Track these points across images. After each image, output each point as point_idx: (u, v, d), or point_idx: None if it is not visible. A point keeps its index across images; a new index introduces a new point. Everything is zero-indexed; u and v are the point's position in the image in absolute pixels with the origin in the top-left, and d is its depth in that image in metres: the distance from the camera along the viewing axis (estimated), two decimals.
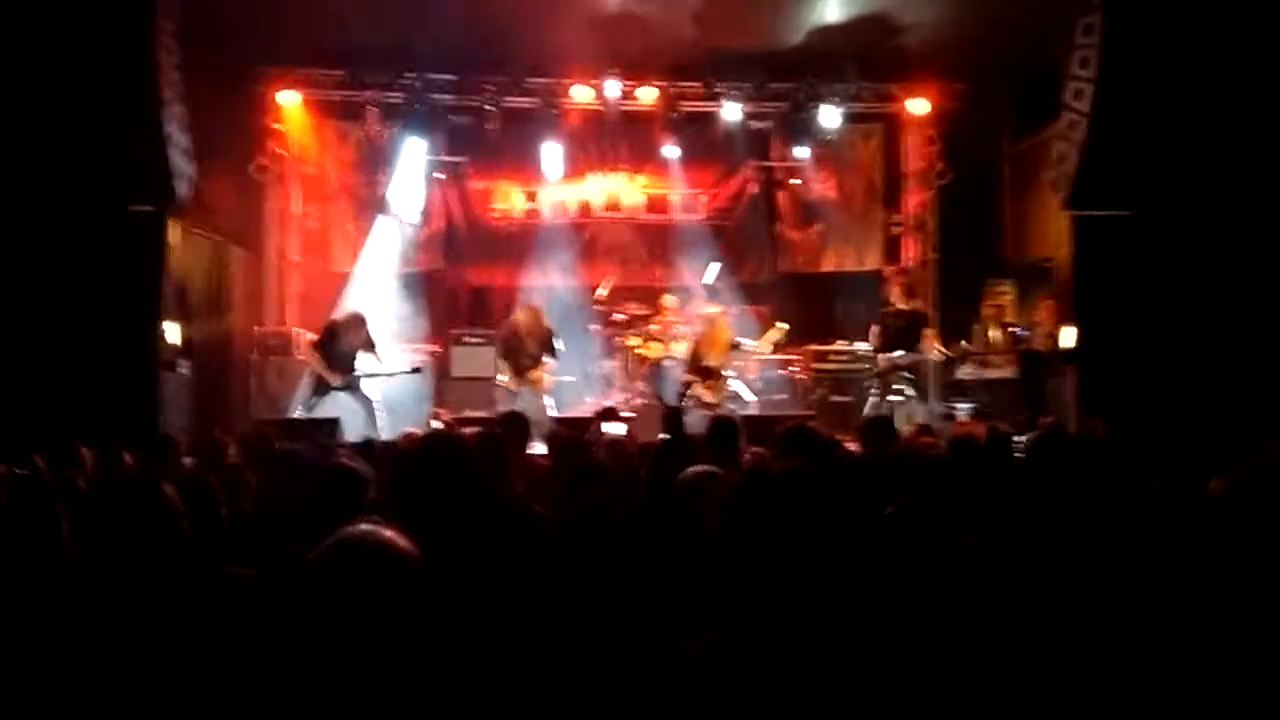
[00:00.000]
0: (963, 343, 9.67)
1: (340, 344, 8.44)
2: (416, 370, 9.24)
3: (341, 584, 1.46)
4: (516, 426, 4.56)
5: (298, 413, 8.37)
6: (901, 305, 8.87)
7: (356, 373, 8.46)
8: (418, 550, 1.55)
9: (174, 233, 7.71)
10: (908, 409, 9.07)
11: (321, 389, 8.37)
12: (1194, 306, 7.52)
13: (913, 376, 8.91)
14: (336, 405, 8.30)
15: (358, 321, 8.60)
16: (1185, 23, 7.19)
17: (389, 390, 8.91)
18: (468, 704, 1.52)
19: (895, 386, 8.95)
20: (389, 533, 1.56)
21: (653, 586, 1.79)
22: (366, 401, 8.38)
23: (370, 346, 8.61)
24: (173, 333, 7.84)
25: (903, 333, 8.76)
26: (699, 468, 2.76)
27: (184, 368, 7.94)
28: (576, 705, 1.48)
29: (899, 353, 8.74)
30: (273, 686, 1.50)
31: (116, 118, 6.88)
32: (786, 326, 9.52)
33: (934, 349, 9.09)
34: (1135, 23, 7.32)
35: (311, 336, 8.73)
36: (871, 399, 8.91)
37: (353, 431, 7.45)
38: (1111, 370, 7.69)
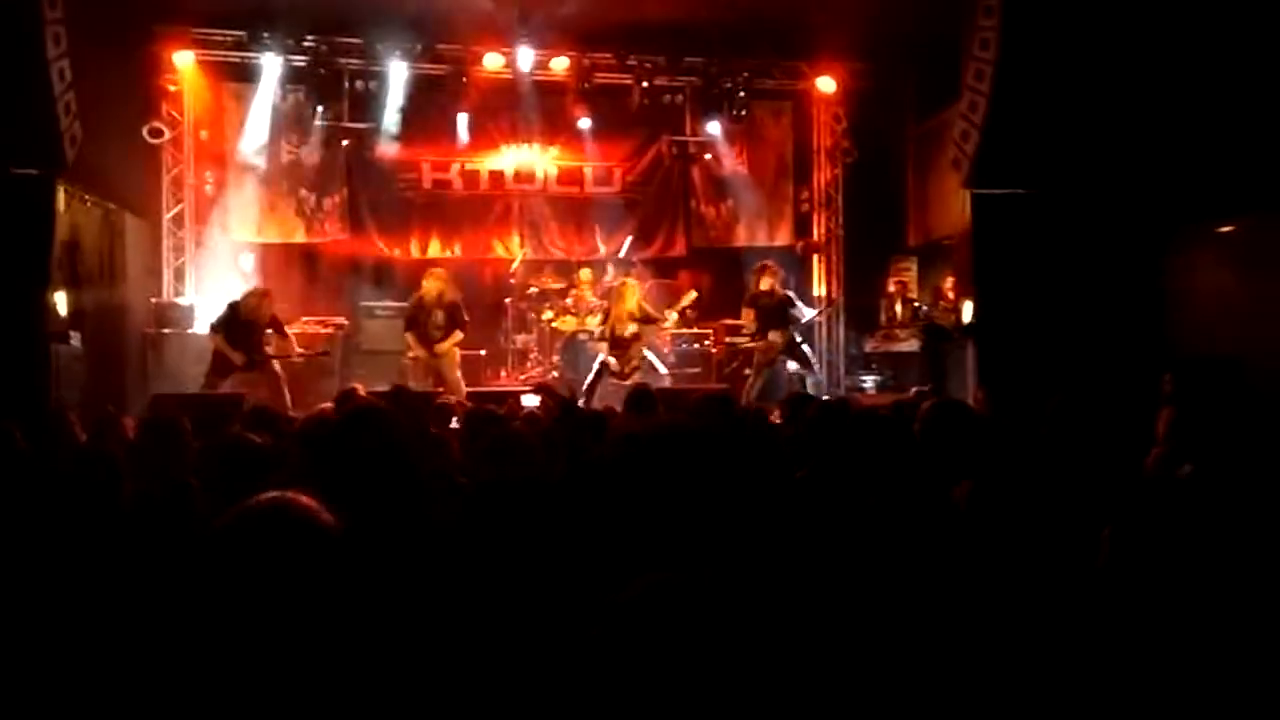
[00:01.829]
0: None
1: (243, 323, 8.14)
2: (325, 354, 9.05)
3: (252, 548, 1.43)
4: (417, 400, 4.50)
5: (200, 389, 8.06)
6: (765, 288, 9.04)
7: (260, 354, 8.18)
8: (335, 518, 1.53)
9: (61, 198, 7.34)
10: (796, 382, 9.33)
11: (223, 369, 8.08)
12: (1087, 282, 7.87)
13: (793, 351, 9.10)
14: (242, 382, 8.05)
15: (261, 297, 8.32)
16: (1082, 5, 7.47)
17: (295, 366, 8.69)
18: (397, 671, 1.52)
19: (779, 363, 9.16)
20: (304, 499, 1.53)
21: (581, 547, 1.81)
22: (274, 377, 8.14)
23: (277, 325, 8.35)
24: (62, 303, 7.48)
25: (774, 313, 8.96)
26: (626, 428, 2.79)
27: (75, 340, 7.59)
28: (510, 668, 1.50)
29: (773, 333, 8.91)
30: (183, 657, 1.47)
31: None
32: (695, 294, 9.63)
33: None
34: (1033, 6, 7.57)
35: (216, 316, 8.39)
36: (751, 380, 9.05)
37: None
38: (1008, 343, 8.00)
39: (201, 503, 2.85)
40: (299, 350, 8.73)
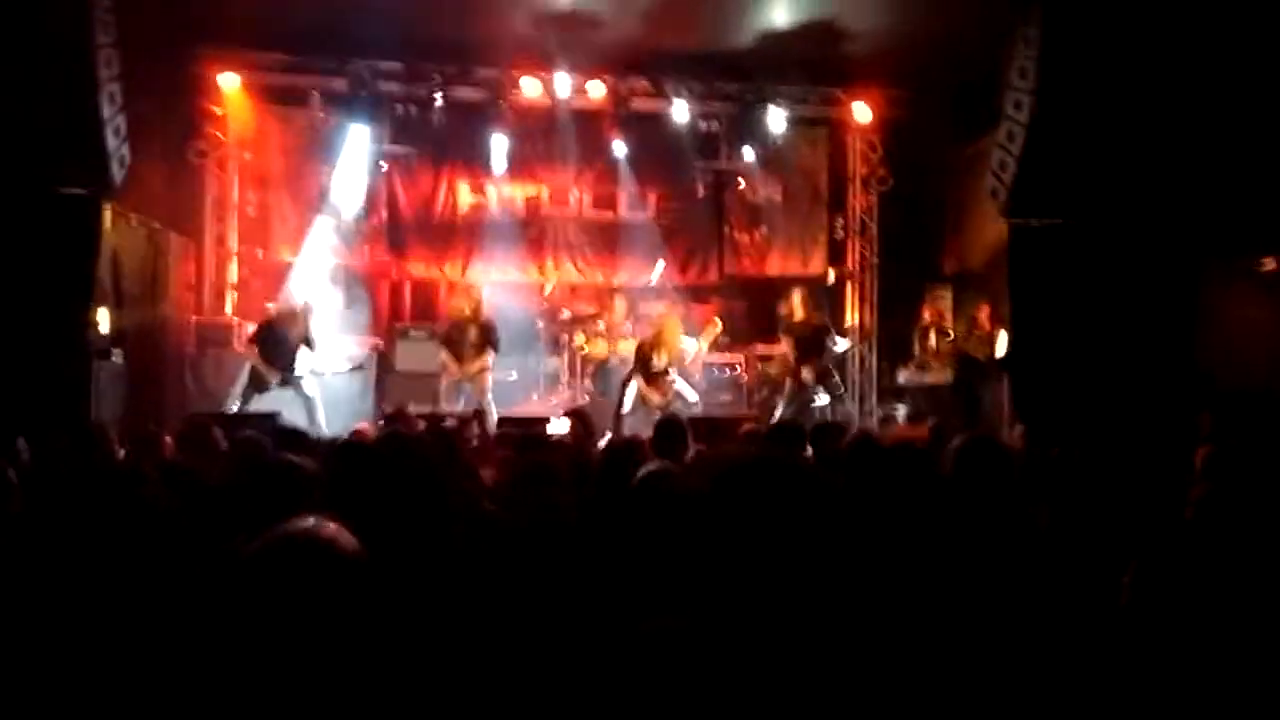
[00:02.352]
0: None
1: (278, 338, 8.26)
2: (359, 368, 9.13)
3: (279, 577, 1.45)
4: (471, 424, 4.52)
5: (233, 408, 8.17)
6: (801, 315, 9.00)
7: (296, 371, 8.28)
8: (360, 546, 1.54)
9: (107, 217, 7.50)
10: (827, 412, 9.29)
11: (259, 384, 8.18)
12: (1122, 314, 7.77)
13: (825, 381, 9.06)
14: (278, 400, 8.14)
15: (296, 315, 8.42)
16: (1122, 36, 7.41)
17: (330, 385, 8.79)
18: (417, 700, 1.52)
19: (812, 394, 9.12)
20: (331, 527, 1.55)
21: (604, 584, 1.81)
22: (308, 398, 8.22)
23: (309, 342, 8.43)
24: (104, 320, 7.63)
25: (810, 342, 8.91)
26: (653, 465, 2.79)
27: (117, 357, 7.73)
28: (529, 700, 1.50)
29: (806, 369, 8.88)
30: (210, 679, 1.48)
31: (49, 97, 6.66)
32: (720, 323, 9.63)
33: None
34: (1072, 35, 7.52)
35: (250, 329, 8.53)
36: (781, 410, 8.99)
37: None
38: (1043, 377, 7.90)
39: (231, 519, 2.88)
40: (331, 368, 8.81)
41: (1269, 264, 7.84)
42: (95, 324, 7.34)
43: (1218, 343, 7.96)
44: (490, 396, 8.87)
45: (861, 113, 11.00)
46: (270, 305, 8.97)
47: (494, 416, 8.12)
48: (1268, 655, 1.66)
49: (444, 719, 1.51)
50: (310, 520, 1.58)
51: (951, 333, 10.59)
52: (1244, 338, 7.78)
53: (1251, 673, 1.64)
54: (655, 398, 8.43)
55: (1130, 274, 7.82)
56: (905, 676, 1.64)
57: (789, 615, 1.31)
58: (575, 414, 6.76)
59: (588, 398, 9.65)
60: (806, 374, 8.82)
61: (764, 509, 1.33)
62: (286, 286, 10.10)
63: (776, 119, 10.77)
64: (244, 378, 8.29)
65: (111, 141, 7.00)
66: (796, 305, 9.01)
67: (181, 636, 1.76)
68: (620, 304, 10.26)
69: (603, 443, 4.97)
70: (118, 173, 7.15)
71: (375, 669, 1.47)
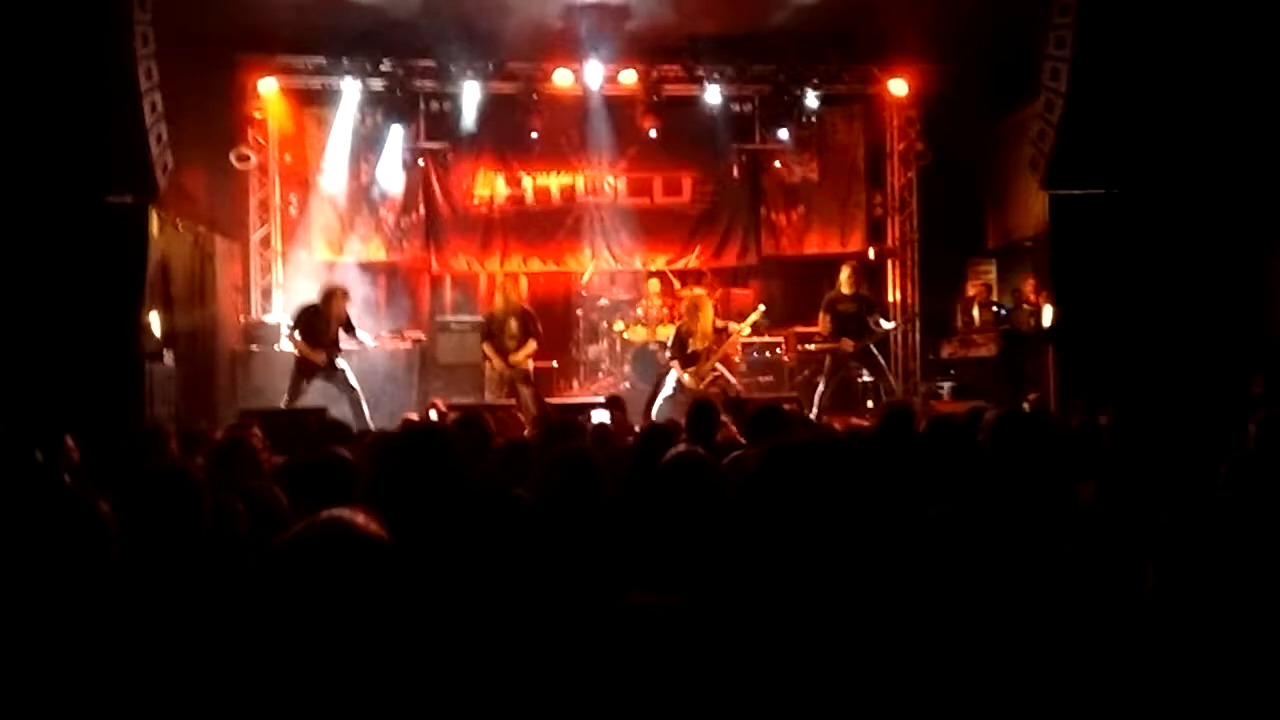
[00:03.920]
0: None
1: (317, 320, 8.30)
2: (400, 336, 9.18)
3: (304, 566, 1.51)
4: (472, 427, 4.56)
5: (284, 402, 8.32)
6: (847, 290, 8.86)
7: (339, 353, 8.33)
8: (385, 534, 1.60)
9: (155, 223, 7.70)
10: (872, 390, 9.19)
11: (306, 371, 8.26)
12: (1171, 284, 7.60)
13: (866, 358, 8.91)
14: (324, 397, 8.27)
15: (334, 296, 8.44)
16: (1159, 2, 7.24)
17: (372, 379, 8.90)
18: (444, 686, 1.57)
19: (852, 370, 9.00)
20: (359, 517, 1.60)
21: (632, 567, 1.84)
22: (352, 390, 8.34)
23: (348, 325, 8.45)
24: (155, 323, 7.83)
25: (850, 320, 8.77)
26: (679, 449, 2.81)
27: (168, 359, 7.94)
28: (553, 682, 1.54)
29: (845, 339, 8.74)
30: (244, 672, 1.54)
31: (94, 108, 6.85)
32: (764, 308, 9.56)
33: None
34: (1109, 2, 7.36)
35: (290, 318, 8.63)
36: (821, 388, 8.88)
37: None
38: (1089, 348, 7.77)
39: (277, 514, 2.97)
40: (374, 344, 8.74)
41: None
42: (147, 327, 7.54)
43: (1275, 310, 7.75)
44: (530, 390, 8.89)
45: (898, 88, 10.86)
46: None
47: (532, 412, 8.17)
48: None
49: (466, 700, 1.55)
50: (338, 511, 1.64)
51: (998, 306, 10.44)
52: None
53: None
54: (692, 382, 8.42)
55: (1179, 241, 7.64)
56: (926, 656, 1.64)
57: (802, 596, 1.32)
58: (612, 401, 6.80)
59: (628, 384, 9.69)
60: (845, 345, 8.72)
61: (801, 492, 1.33)
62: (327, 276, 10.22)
63: (811, 98, 10.68)
64: (292, 370, 8.40)
65: (155, 149, 7.19)
66: (844, 281, 8.88)
67: (220, 628, 1.83)
68: (656, 289, 10.26)
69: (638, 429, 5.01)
70: (162, 179, 7.35)
71: (400, 653, 1.53)
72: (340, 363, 8.34)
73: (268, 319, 10.10)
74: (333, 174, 10.58)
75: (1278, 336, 7.66)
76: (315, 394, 8.25)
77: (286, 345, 9.49)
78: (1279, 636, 1.61)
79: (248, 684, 1.48)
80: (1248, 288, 7.83)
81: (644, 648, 0.97)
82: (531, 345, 8.82)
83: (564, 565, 2.00)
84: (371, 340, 8.84)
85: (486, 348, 8.85)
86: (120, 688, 1.71)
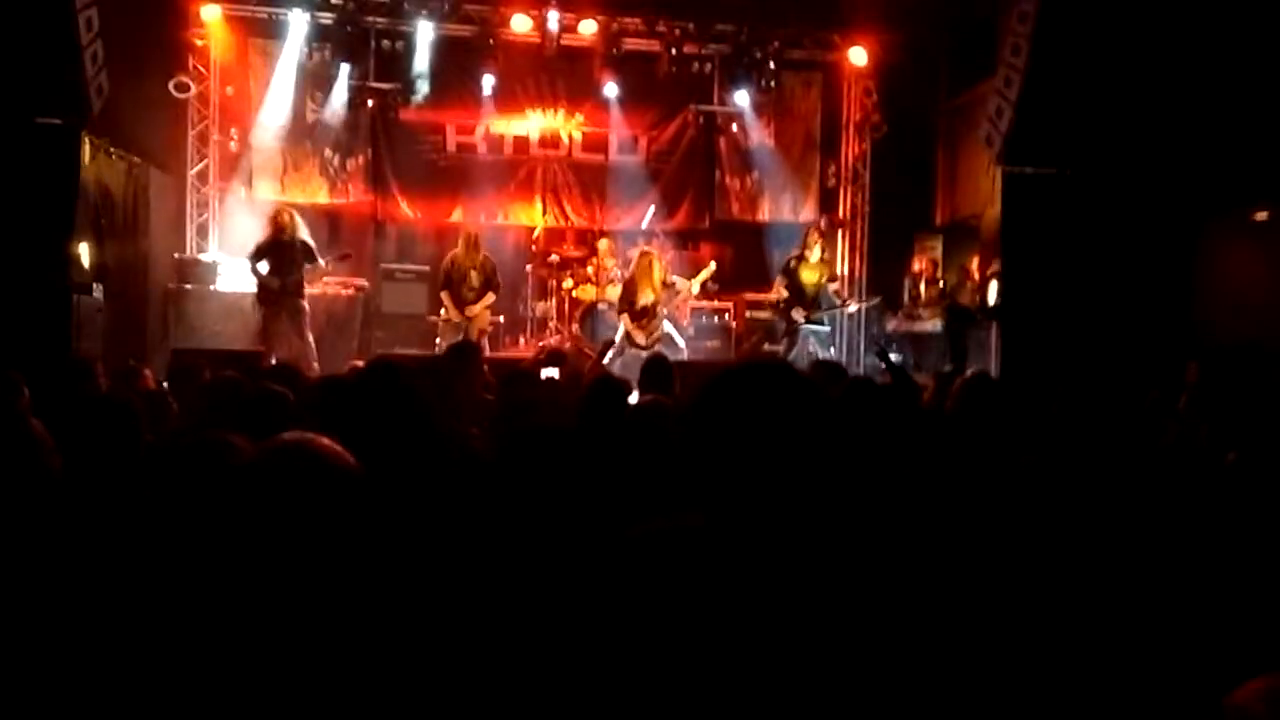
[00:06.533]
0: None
1: (276, 242, 8.06)
2: (346, 256, 8.98)
3: (277, 485, 1.41)
4: (467, 356, 4.46)
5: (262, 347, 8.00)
6: (812, 261, 8.84)
7: (298, 274, 8.10)
8: (354, 460, 1.51)
9: (86, 149, 7.33)
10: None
11: (267, 298, 7.99)
12: (1115, 266, 7.74)
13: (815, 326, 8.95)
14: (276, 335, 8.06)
15: (291, 214, 8.22)
16: None
17: (314, 328, 8.65)
18: (408, 612, 1.50)
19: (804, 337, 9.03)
20: (325, 440, 1.51)
21: (590, 507, 1.78)
22: (301, 327, 8.12)
23: (308, 249, 8.22)
24: (85, 254, 7.50)
25: (806, 291, 8.77)
26: (648, 397, 2.76)
27: (98, 292, 7.61)
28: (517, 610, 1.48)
29: (797, 310, 8.74)
30: (203, 595, 1.45)
31: (24, 22, 6.45)
32: (714, 266, 9.52)
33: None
34: None
35: (249, 249, 8.35)
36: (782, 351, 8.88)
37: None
38: (1032, 326, 7.89)
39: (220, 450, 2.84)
40: (326, 262, 8.50)
41: (1260, 215, 7.80)
42: (76, 258, 7.21)
43: (1214, 294, 7.96)
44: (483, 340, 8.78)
45: (857, 56, 10.84)
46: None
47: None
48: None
49: (437, 634, 1.49)
50: (304, 434, 1.54)
51: (942, 281, 10.57)
52: (1239, 290, 7.77)
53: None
54: (640, 337, 8.37)
55: (1125, 224, 7.77)
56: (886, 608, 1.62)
57: (780, 520, 1.27)
58: (554, 356, 6.70)
59: (569, 343, 9.60)
60: (797, 315, 8.73)
61: (755, 410, 1.28)
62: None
63: (771, 62, 10.60)
64: (258, 312, 8.14)
65: (89, 69, 6.81)
66: (814, 250, 8.81)
67: (178, 559, 1.72)
68: (606, 248, 10.15)
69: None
70: (96, 102, 6.98)
71: (369, 583, 1.44)
72: (304, 304, 8.15)
73: (203, 257, 9.74)
74: (276, 109, 10.18)
75: (1204, 324, 7.87)
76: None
77: (222, 286, 9.20)
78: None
79: (207, 610, 1.39)
80: (1181, 273, 8.02)
81: (672, 568, 0.91)
82: (490, 297, 8.70)
83: (531, 510, 1.93)
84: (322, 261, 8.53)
85: (444, 296, 8.68)
86: (72, 610, 1.60)
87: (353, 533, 1.42)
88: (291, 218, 8.21)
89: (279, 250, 8.09)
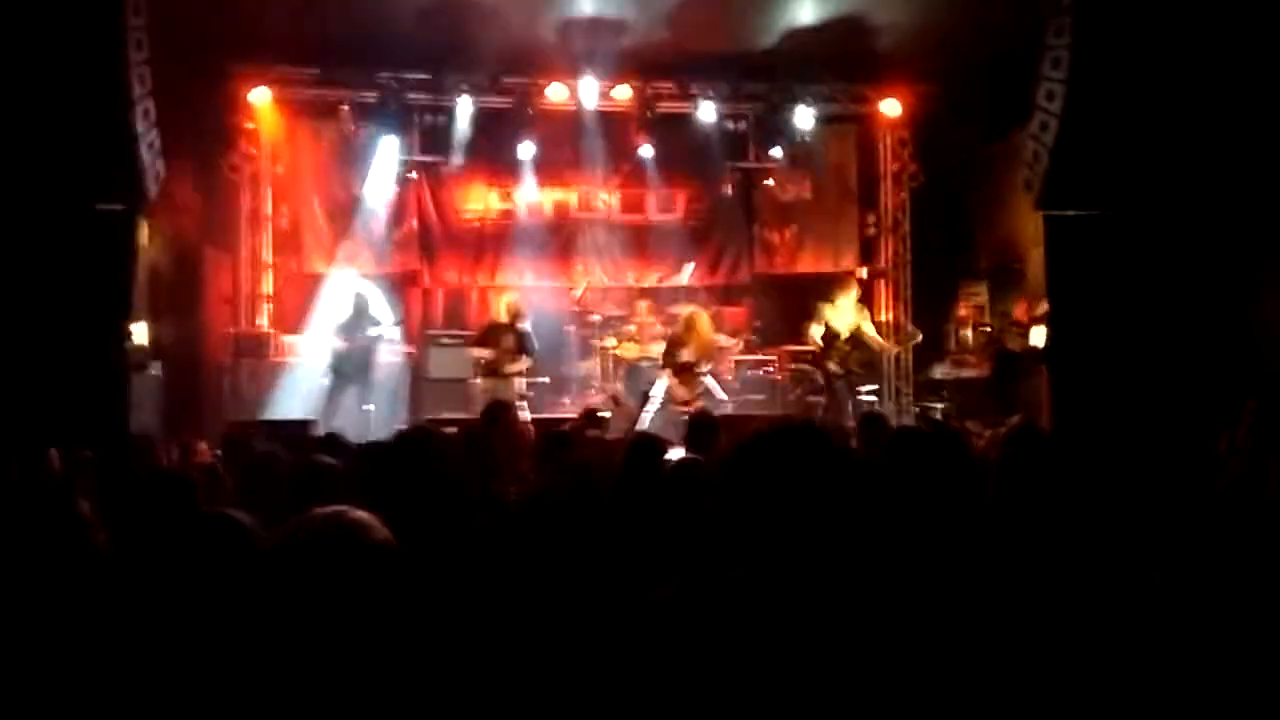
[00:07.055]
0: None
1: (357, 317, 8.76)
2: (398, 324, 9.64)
3: (309, 561, 1.43)
4: (497, 417, 4.51)
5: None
6: (839, 302, 8.75)
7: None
8: (389, 532, 1.53)
9: (144, 232, 7.61)
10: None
11: (342, 376, 8.64)
12: (1167, 306, 7.60)
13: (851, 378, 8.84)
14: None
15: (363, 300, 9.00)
16: (1155, 24, 7.27)
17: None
18: (443, 681, 1.50)
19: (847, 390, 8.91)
20: (359, 513, 1.53)
21: (627, 567, 1.78)
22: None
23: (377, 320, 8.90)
24: (141, 333, 7.74)
25: (839, 334, 8.68)
26: (685, 455, 2.76)
27: (154, 369, 7.83)
28: (552, 675, 1.48)
29: (831, 364, 8.64)
30: (242, 670, 1.47)
31: (85, 114, 6.75)
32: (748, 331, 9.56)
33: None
34: (1105, 24, 7.39)
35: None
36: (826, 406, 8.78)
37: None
38: (1082, 370, 7.75)
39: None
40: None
41: None
42: (131, 336, 7.44)
43: (1272, 332, 7.75)
44: (521, 403, 8.86)
45: (891, 108, 10.90)
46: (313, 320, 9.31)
47: (526, 418, 8.12)
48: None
49: (470, 698, 1.49)
50: (337, 507, 1.57)
51: (990, 326, 10.44)
52: None
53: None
54: (682, 393, 8.37)
55: (1175, 264, 7.63)
56: (915, 656, 1.59)
57: (810, 578, 1.27)
58: (589, 418, 6.71)
59: (616, 400, 9.62)
60: (833, 366, 8.65)
61: (780, 473, 1.29)
62: (320, 297, 10.19)
63: (804, 117, 10.71)
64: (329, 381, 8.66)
65: (146, 157, 7.09)
66: (845, 296, 8.73)
67: (218, 629, 1.75)
68: (644, 309, 10.21)
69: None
70: (152, 187, 7.24)
71: (400, 652, 1.46)
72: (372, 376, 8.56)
73: (257, 331, 10.00)
74: (324, 186, 10.52)
75: (1272, 360, 7.66)
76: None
77: (275, 358, 9.44)
78: None
79: (244, 683, 1.41)
80: (1242, 311, 7.83)
81: (699, 628, 0.92)
82: (524, 361, 8.82)
83: (562, 568, 1.94)
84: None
85: (481, 352, 8.90)
86: (116, 681, 1.64)
87: (381, 607, 1.44)
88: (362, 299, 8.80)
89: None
